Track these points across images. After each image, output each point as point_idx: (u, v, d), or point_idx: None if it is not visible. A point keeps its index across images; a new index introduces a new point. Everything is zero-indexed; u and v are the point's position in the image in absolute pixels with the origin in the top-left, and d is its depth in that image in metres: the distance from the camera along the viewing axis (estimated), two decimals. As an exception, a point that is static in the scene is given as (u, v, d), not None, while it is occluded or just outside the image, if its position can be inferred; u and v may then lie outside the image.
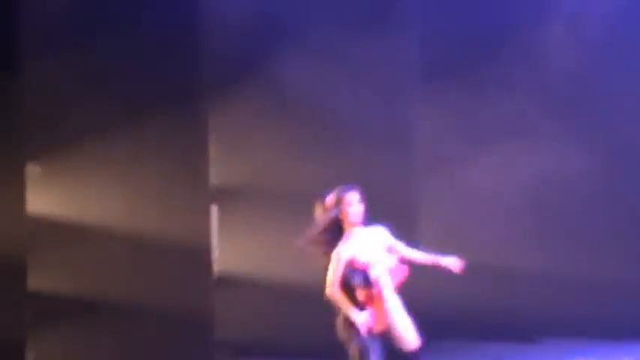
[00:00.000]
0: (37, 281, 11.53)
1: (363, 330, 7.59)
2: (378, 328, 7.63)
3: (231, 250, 12.98)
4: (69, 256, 11.62)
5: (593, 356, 12.38)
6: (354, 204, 7.85)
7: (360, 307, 7.65)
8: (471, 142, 13.72)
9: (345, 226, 7.84)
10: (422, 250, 8.23)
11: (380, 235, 7.91)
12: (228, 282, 12.80)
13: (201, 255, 11.60)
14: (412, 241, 12.08)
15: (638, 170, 13.54)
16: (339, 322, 7.77)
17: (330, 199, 8.00)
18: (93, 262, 11.60)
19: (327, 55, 12.67)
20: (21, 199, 11.45)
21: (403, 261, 7.90)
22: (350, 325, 7.65)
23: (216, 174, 12.02)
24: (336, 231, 7.87)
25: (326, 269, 7.84)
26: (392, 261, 7.81)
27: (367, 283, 7.70)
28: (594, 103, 13.57)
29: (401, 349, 7.75)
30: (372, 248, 7.79)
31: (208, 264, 11.74)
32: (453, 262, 7.92)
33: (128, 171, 11.76)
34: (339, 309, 7.72)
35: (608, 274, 13.49)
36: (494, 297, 13.08)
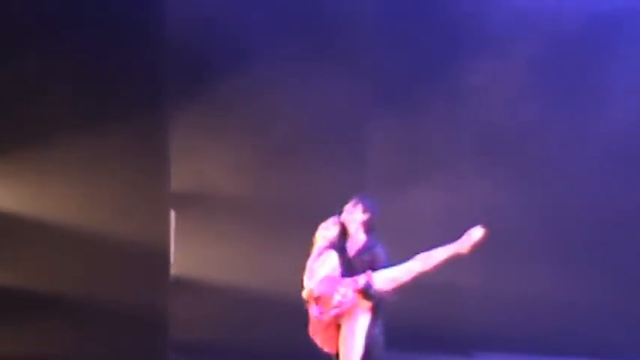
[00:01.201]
0: (-5, 276, 11.46)
1: None
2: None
3: (188, 253, 13.06)
4: (27, 252, 11.54)
5: None
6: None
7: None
8: (413, 165, 14.01)
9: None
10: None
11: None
12: (184, 284, 12.86)
13: (158, 257, 11.53)
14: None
15: (563, 192, 13.91)
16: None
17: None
18: (51, 260, 11.52)
19: (285, 72, 12.85)
20: (-20, 195, 11.38)
21: None
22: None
23: (176, 179, 11.99)
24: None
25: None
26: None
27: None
28: (523, 137, 14.00)
29: None
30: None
31: (165, 266, 11.70)
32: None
33: (89, 172, 11.67)
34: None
35: (541, 292, 13.84)
36: (431, 311, 13.25)
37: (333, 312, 7.54)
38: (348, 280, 7.59)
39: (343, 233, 7.92)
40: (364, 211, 7.95)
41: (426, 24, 13.98)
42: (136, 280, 11.42)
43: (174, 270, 12.59)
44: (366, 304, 7.57)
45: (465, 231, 8.01)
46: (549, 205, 14.10)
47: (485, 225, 7.92)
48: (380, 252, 7.87)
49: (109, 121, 11.57)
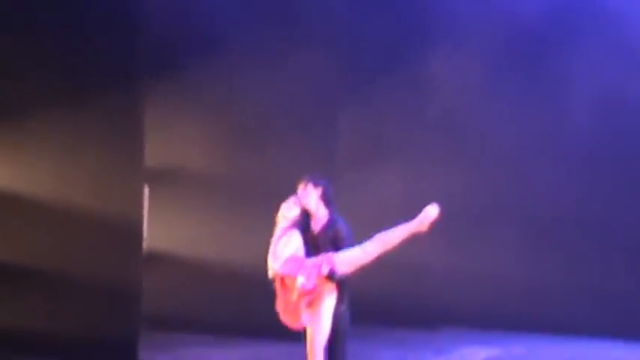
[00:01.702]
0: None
1: None
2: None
3: (161, 228, 13.30)
4: (1, 224, 11.44)
5: (487, 345, 12.95)
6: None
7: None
8: (378, 150, 14.43)
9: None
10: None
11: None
12: (156, 258, 13.07)
13: (132, 232, 11.39)
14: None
15: (524, 176, 14.44)
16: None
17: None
18: (25, 234, 11.44)
19: (256, 54, 12.96)
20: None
21: None
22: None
23: (149, 156, 11.93)
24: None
25: None
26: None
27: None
28: (484, 124, 14.46)
29: None
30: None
31: (138, 241, 11.58)
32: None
33: (63, 148, 11.57)
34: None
35: (504, 271, 14.30)
36: (399, 286, 13.61)
37: (298, 293, 7.65)
38: (311, 262, 7.69)
39: (305, 212, 8.02)
40: (316, 186, 8.06)
41: (393, 14, 14.28)
42: (110, 254, 11.32)
43: (147, 244, 12.70)
44: (331, 285, 7.72)
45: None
46: (513, 189, 14.53)
47: (441, 204, 8.08)
48: (342, 227, 7.98)
49: (85, 97, 11.47)
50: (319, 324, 7.73)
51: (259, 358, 11.29)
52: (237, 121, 13.14)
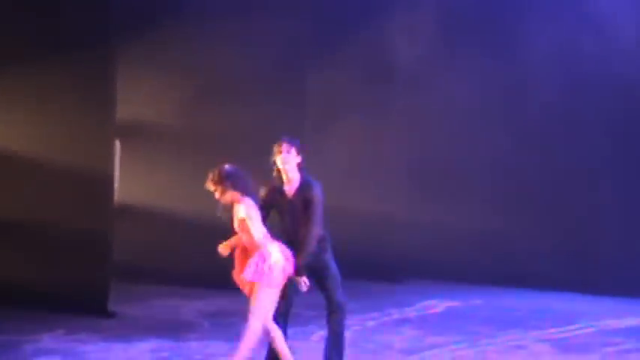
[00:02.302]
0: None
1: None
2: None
3: (132, 181, 13.55)
4: None
5: (447, 297, 13.16)
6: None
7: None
8: (344, 110, 14.68)
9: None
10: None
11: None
12: (127, 211, 13.30)
13: (103, 185, 11.49)
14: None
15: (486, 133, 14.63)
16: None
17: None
18: None
19: (228, 12, 13.13)
20: None
21: None
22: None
23: (121, 111, 12.05)
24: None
25: None
26: None
27: None
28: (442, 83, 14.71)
29: None
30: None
31: (110, 193, 11.68)
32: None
33: (36, 102, 11.64)
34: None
35: (464, 224, 14.59)
36: (361, 239, 13.82)
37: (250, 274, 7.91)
38: (281, 259, 7.91)
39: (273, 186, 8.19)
40: (298, 154, 8.20)
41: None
42: (82, 206, 11.45)
43: (118, 196, 12.84)
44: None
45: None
46: (475, 143, 14.74)
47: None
48: (316, 188, 8.16)
49: (58, 53, 11.52)
50: (261, 297, 7.95)
51: (228, 310, 11.48)
52: (206, 79, 13.26)
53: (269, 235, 8.01)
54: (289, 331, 8.41)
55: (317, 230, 8.13)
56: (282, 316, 8.20)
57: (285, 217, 8.22)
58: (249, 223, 7.88)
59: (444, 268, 14.47)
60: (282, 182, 8.24)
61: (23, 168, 11.72)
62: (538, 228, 14.43)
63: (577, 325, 11.54)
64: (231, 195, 7.98)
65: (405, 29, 14.81)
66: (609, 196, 14.20)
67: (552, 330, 11.25)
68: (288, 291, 8.17)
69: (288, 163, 8.17)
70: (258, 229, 7.88)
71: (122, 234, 12.22)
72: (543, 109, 14.43)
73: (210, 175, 8.01)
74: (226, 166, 8.04)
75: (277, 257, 7.89)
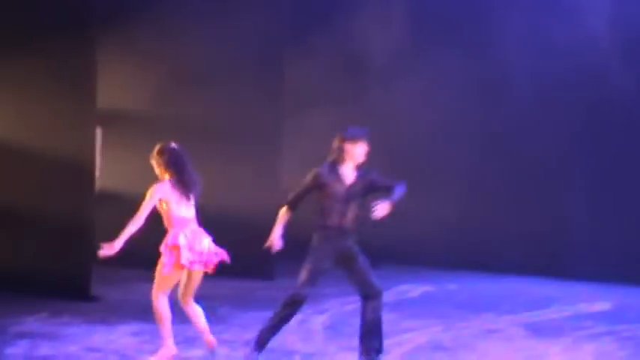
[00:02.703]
0: None
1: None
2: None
3: (112, 167, 13.69)
4: None
5: (423, 282, 13.39)
6: None
7: None
8: (320, 95, 14.86)
9: None
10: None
11: None
12: (108, 197, 13.36)
13: (85, 171, 11.59)
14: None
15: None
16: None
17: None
18: None
19: (206, 11, 13.29)
20: None
21: None
22: None
23: (102, 99, 12.07)
24: None
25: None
26: None
27: None
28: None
29: None
30: None
31: (91, 180, 11.79)
32: None
33: (18, 89, 11.72)
34: None
35: (440, 211, 14.78)
36: None
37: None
38: (184, 246, 8.32)
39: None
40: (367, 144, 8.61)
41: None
42: (64, 192, 11.52)
43: (99, 183, 12.95)
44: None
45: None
46: (449, 130, 14.94)
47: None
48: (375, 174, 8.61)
49: (39, 40, 11.55)
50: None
51: (208, 294, 11.56)
52: (184, 67, 13.37)
53: (187, 220, 8.22)
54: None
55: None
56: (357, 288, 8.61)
57: (336, 203, 8.50)
58: (145, 200, 8.31)
59: (419, 254, 14.64)
60: (337, 171, 8.48)
61: (4, 156, 11.82)
62: (512, 214, 14.59)
63: (550, 310, 11.74)
64: (160, 171, 8.31)
65: (378, 21, 14.95)
66: (581, 182, 14.39)
67: (526, 314, 11.45)
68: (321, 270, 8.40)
69: (362, 154, 8.62)
70: (144, 209, 8.54)
71: (103, 219, 11.97)
72: (515, 97, 14.59)
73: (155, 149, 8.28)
74: (171, 144, 8.34)
75: (181, 242, 8.25)
